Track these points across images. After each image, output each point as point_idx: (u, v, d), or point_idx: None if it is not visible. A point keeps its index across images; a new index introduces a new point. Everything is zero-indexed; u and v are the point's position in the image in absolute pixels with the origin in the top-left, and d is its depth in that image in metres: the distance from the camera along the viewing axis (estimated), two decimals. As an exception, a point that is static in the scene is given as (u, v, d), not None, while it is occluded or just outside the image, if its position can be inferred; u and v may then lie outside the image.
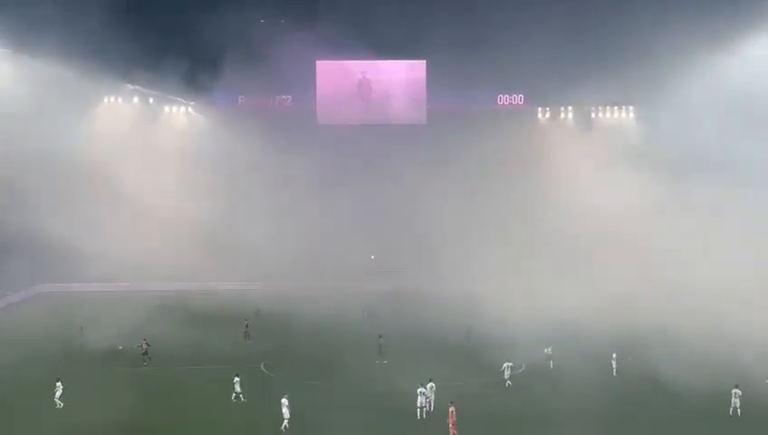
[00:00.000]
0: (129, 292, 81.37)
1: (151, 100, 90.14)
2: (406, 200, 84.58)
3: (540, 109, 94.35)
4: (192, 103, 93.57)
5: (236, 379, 44.64)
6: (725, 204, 72.06)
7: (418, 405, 41.00)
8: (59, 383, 43.67)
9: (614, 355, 49.49)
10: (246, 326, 61.43)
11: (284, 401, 39.41)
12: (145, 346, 53.61)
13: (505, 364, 47.41)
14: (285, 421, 38.99)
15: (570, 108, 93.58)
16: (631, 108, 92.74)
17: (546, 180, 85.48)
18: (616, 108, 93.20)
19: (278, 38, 79.05)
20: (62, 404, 43.16)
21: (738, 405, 41.11)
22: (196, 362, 53.83)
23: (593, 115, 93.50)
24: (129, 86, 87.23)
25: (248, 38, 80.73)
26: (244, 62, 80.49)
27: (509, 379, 47.10)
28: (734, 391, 41.32)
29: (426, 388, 41.71)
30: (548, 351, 51.11)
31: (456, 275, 76.75)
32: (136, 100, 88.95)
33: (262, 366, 52.31)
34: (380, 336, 54.76)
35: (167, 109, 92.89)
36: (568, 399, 44.46)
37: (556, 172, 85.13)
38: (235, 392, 44.18)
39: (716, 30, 71.93)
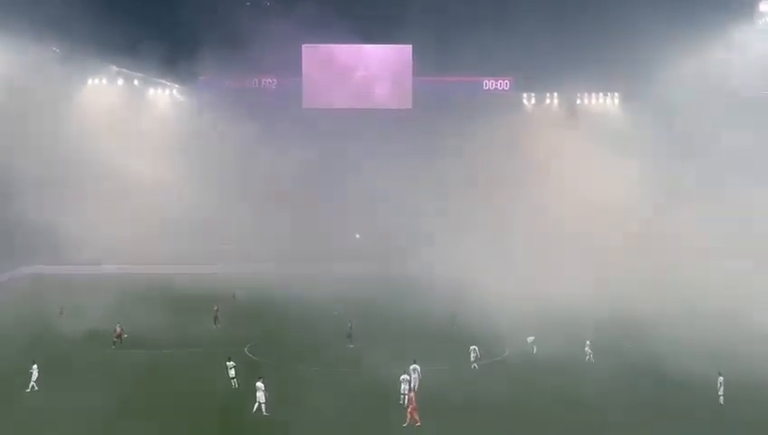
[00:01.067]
0: (115, 275, 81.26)
1: (136, 82, 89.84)
2: (390, 184, 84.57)
3: (525, 94, 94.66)
4: (177, 86, 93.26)
5: (229, 363, 44.02)
6: (710, 188, 72.49)
7: (401, 392, 40.68)
8: (35, 366, 42.76)
9: (588, 342, 49.47)
10: (216, 311, 60.59)
11: (260, 384, 39.41)
12: (119, 330, 53.48)
13: (471, 347, 47.56)
14: (263, 405, 39.02)
15: (555, 94, 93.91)
16: (616, 94, 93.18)
17: (531, 165, 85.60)
18: (601, 94, 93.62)
19: (263, 21, 78.77)
20: (35, 387, 42.12)
21: (721, 393, 40.45)
22: (178, 345, 53.75)
23: (578, 101, 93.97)
24: (114, 68, 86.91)
25: (233, 21, 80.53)
26: (230, 45, 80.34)
27: (474, 362, 47.16)
28: (718, 379, 40.85)
29: (408, 373, 41.60)
30: (530, 340, 51.10)
31: (442, 260, 76.94)
32: (120, 82, 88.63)
33: (246, 350, 52.38)
34: (350, 322, 54.91)
35: (152, 91, 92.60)
36: (538, 384, 44.31)
37: (541, 157, 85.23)
38: (230, 377, 43.86)
39: (701, 17, 72.29)
